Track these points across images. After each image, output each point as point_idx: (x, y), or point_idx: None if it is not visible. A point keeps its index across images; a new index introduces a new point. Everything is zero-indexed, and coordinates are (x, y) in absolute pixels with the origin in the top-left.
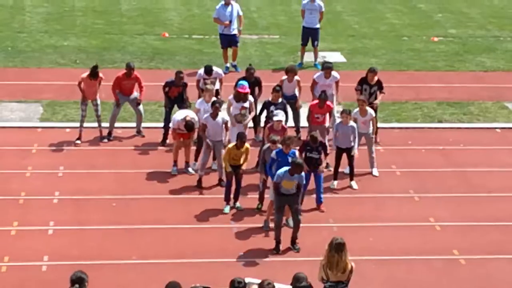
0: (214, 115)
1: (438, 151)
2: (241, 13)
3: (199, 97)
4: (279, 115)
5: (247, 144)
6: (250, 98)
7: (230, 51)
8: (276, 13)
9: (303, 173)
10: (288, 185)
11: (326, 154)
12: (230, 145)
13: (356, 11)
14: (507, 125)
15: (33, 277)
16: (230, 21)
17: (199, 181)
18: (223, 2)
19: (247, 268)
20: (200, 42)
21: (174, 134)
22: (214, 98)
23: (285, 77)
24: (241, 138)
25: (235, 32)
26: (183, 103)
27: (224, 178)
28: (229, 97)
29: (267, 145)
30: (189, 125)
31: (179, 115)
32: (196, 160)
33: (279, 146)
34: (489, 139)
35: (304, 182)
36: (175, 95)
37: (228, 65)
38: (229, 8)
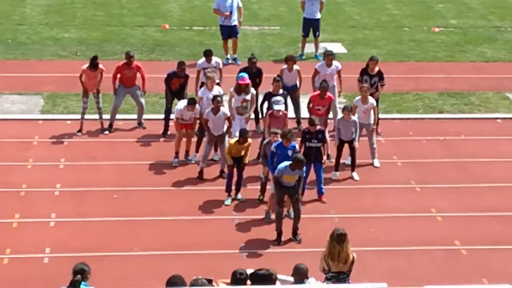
0: (215, 110)
1: (439, 142)
2: (240, 5)
3: (198, 89)
4: (280, 103)
5: (249, 140)
6: (252, 90)
7: (230, 42)
8: (277, 4)
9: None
10: (290, 179)
11: (325, 142)
12: (232, 141)
13: (357, 2)
14: (508, 116)
15: (34, 269)
16: (231, 12)
17: (201, 172)
18: None
19: (249, 259)
20: (201, 34)
21: (176, 124)
22: (216, 87)
23: (285, 66)
24: (243, 134)
25: (235, 23)
26: (183, 96)
27: (225, 170)
28: (231, 89)
29: (267, 139)
30: (192, 99)
31: (181, 104)
32: (197, 151)
33: (279, 139)
34: (490, 130)
35: (305, 174)
36: (177, 86)
37: (228, 56)
38: None
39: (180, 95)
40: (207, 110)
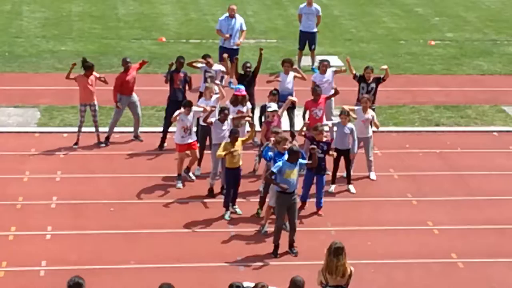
0: (222, 120)
1: (436, 155)
2: (244, 28)
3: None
4: (272, 106)
5: (241, 138)
6: (248, 104)
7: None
8: (273, 18)
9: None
10: (292, 174)
11: (328, 153)
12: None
13: (353, 15)
14: (504, 129)
15: (31, 282)
16: (231, 35)
17: (211, 190)
18: (227, 14)
19: (245, 272)
20: (197, 47)
21: (179, 146)
22: (213, 96)
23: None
24: (234, 133)
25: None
26: (184, 99)
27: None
28: (226, 102)
29: (266, 143)
30: (187, 101)
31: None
32: (199, 165)
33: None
34: (487, 143)
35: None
36: (178, 83)
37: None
38: (232, 21)
39: (182, 97)
40: (214, 118)
